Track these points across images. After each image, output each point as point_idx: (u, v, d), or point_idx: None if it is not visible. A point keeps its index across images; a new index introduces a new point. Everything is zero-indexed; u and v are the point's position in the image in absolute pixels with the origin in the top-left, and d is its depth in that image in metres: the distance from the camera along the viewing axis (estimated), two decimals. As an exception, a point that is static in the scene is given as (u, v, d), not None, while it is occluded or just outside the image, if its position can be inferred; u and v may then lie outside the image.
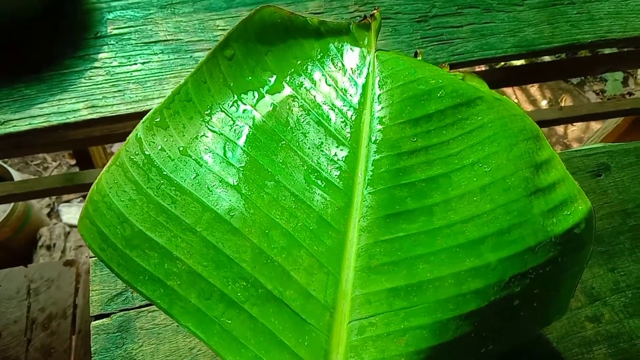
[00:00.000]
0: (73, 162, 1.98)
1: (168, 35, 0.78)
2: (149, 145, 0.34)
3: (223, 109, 0.36)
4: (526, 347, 0.42)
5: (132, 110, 0.69)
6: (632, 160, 0.53)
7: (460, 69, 0.73)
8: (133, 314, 0.44)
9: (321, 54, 0.38)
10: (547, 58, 1.85)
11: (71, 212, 1.92)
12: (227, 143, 0.35)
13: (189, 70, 0.73)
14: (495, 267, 0.31)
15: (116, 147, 1.97)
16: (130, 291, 0.45)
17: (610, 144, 0.54)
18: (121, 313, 0.44)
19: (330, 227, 0.33)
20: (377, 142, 0.35)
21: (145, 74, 0.73)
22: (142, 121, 0.35)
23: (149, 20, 0.79)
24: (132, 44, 0.77)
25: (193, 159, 0.34)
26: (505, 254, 0.32)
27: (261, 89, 0.37)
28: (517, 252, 0.32)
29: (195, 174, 0.34)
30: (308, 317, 0.31)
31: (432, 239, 0.32)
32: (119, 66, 0.73)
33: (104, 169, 0.34)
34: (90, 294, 0.44)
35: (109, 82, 0.72)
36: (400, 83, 0.36)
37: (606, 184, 0.52)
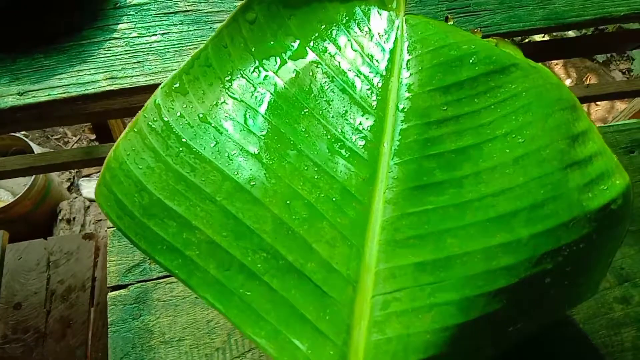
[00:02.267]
0: (93, 136, 1.99)
1: (187, 5, 0.76)
2: (168, 111, 0.33)
3: (244, 75, 0.35)
4: (552, 328, 0.41)
5: (152, 82, 0.67)
6: (668, 137, 0.51)
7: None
8: (150, 286, 0.43)
9: (347, 18, 0.36)
10: (571, 34, 1.79)
11: (91, 187, 1.94)
12: (248, 110, 0.34)
13: (208, 41, 0.71)
14: (527, 243, 0.30)
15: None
16: (148, 262, 0.44)
17: (646, 120, 0.52)
18: (138, 284, 0.43)
19: (354, 198, 0.31)
20: (405, 110, 0.33)
21: (165, 45, 0.72)
22: (160, 87, 0.34)
23: (169, -10, 0.77)
24: (151, 15, 0.75)
25: (213, 126, 0.33)
26: (538, 229, 0.30)
27: (283, 55, 0.36)
28: (550, 227, 0.30)
29: (215, 142, 0.32)
30: (330, 290, 0.30)
31: (461, 212, 0.31)
32: (138, 37, 0.72)
33: (122, 135, 0.33)
34: (108, 265, 0.44)
35: (128, 53, 0.71)
36: (431, 48, 0.35)
37: (639, 161, 0.50)
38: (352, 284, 0.30)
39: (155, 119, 0.33)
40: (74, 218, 1.81)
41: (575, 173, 0.31)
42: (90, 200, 1.91)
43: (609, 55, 2.10)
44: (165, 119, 0.33)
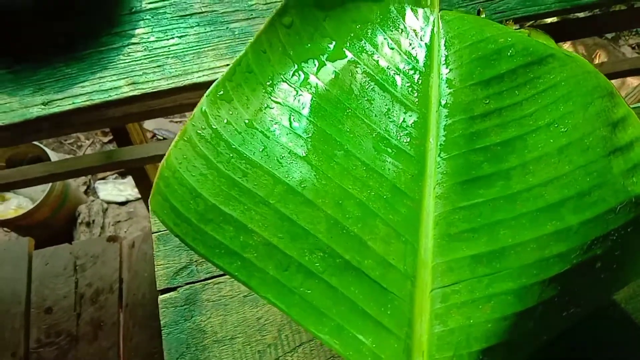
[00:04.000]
0: (106, 139, 2.01)
1: (203, 7, 0.77)
2: (215, 119, 0.34)
3: (285, 79, 0.36)
4: (596, 310, 0.42)
5: (173, 85, 0.68)
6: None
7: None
8: (199, 287, 0.44)
9: (381, 17, 0.37)
10: (579, 14, 1.77)
11: (107, 189, 1.96)
12: (292, 114, 0.34)
13: (227, 42, 0.72)
14: (577, 230, 0.30)
15: (148, 124, 1.99)
16: (195, 264, 0.45)
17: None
18: (187, 286, 0.44)
19: (404, 195, 0.32)
20: (448, 105, 0.34)
21: (183, 48, 0.73)
22: (206, 94, 0.35)
23: (184, -8, 0.78)
24: (167, 18, 0.76)
25: (260, 132, 0.34)
26: (587, 216, 0.31)
27: (321, 56, 0.36)
28: (598, 213, 0.31)
29: (263, 147, 0.33)
30: (389, 285, 0.31)
31: (511, 204, 0.31)
32: (156, 41, 0.73)
33: (172, 144, 0.34)
34: (156, 269, 0.45)
35: (147, 58, 0.71)
36: (468, 43, 0.35)
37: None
38: (410, 278, 0.31)
39: (203, 127, 0.34)
40: (93, 221, 1.84)
41: (618, 159, 0.32)
42: (108, 202, 1.93)
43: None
44: (214, 126, 0.34)
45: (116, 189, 2.00)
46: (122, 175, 2.00)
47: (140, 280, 1.25)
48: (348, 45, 0.37)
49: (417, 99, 0.34)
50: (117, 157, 1.11)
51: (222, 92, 0.35)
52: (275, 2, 0.76)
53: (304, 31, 0.37)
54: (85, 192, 1.93)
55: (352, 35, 0.37)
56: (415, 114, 0.34)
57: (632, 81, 1.92)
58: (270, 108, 0.35)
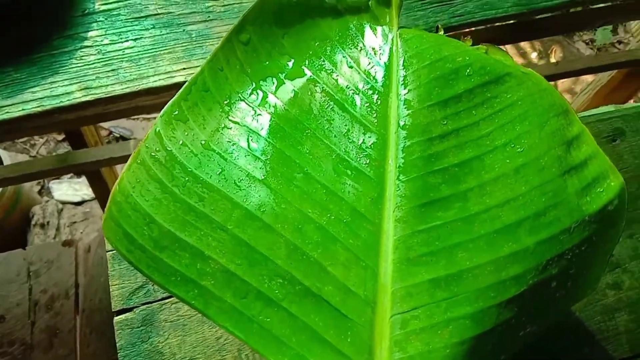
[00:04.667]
0: (60, 137, 1.94)
1: (159, 8, 0.74)
2: (170, 140, 0.33)
3: (243, 98, 0.35)
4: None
5: (128, 90, 0.66)
6: (646, 124, 0.53)
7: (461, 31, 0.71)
8: (156, 307, 0.43)
9: (340, 34, 0.37)
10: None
11: (62, 189, 1.90)
12: (251, 134, 0.34)
13: (183, 45, 0.71)
14: (533, 251, 0.31)
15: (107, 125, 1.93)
16: (151, 283, 0.44)
17: (624, 106, 0.54)
18: (144, 307, 0.43)
19: (364, 219, 0.32)
20: (407, 127, 0.34)
21: (138, 51, 0.70)
22: (160, 115, 0.34)
23: (138, -7, 0.76)
24: (122, 20, 0.73)
25: (217, 153, 0.33)
26: (543, 236, 0.31)
27: (280, 75, 0.36)
28: (554, 233, 0.31)
29: (220, 169, 0.32)
30: (349, 312, 0.30)
31: (469, 226, 0.32)
32: (110, 44, 0.71)
33: (125, 167, 0.33)
34: (111, 289, 0.43)
35: (101, 62, 0.69)
36: (427, 63, 0.35)
37: (622, 149, 0.52)
38: (370, 305, 0.31)
39: (157, 149, 0.33)
40: (47, 222, 1.78)
41: (573, 178, 0.33)
42: (63, 203, 1.87)
43: (572, 28, 2.14)
44: (168, 148, 0.33)
45: (71, 189, 1.94)
46: (78, 174, 1.94)
47: (96, 285, 1.22)
48: (307, 63, 0.36)
49: (376, 120, 0.34)
50: (72, 160, 1.08)
51: (177, 112, 0.34)
52: (232, 4, 0.74)
53: (262, 48, 0.36)
54: (39, 192, 1.87)
55: (311, 52, 0.36)
56: (374, 135, 0.34)
57: (586, 77, 1.99)
58: (228, 128, 0.34)
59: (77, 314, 1.17)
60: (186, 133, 0.33)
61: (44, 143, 1.95)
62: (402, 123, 0.34)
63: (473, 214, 0.32)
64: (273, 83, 0.35)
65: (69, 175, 1.92)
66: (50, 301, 1.17)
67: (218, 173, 0.32)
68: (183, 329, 0.42)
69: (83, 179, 1.88)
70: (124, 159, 1.11)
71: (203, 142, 0.33)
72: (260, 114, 0.34)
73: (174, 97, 0.34)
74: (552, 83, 1.99)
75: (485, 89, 0.34)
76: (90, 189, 1.88)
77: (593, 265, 0.34)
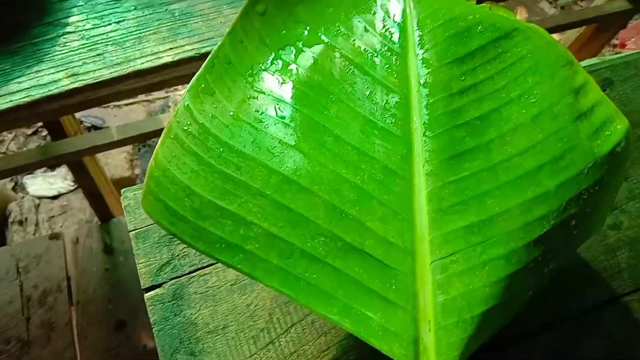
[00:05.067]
0: (29, 131, 1.89)
1: (139, -12, 0.73)
2: (200, 113, 0.34)
3: (264, 68, 0.36)
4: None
5: (116, 74, 0.66)
6: (632, 72, 0.55)
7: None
8: (185, 281, 0.44)
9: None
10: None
11: (37, 184, 1.86)
12: (277, 103, 0.35)
13: (167, 25, 0.70)
14: (555, 193, 0.33)
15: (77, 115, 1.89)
16: (177, 258, 0.45)
17: (610, 57, 0.56)
18: (172, 281, 0.44)
19: (396, 175, 0.34)
20: (428, 85, 0.35)
21: (123, 34, 0.70)
22: (187, 89, 0.34)
23: (115, -26, 0.74)
24: (102, 3, 0.72)
25: (247, 123, 0.34)
26: (562, 179, 0.33)
27: (298, 43, 0.36)
28: (571, 176, 0.34)
29: (253, 138, 0.33)
30: (391, 262, 0.32)
31: (494, 174, 0.33)
32: (93, 28, 0.70)
33: (159, 143, 0.33)
34: (138, 268, 0.44)
35: (85, 47, 0.68)
36: (441, 22, 0.36)
37: (612, 97, 0.54)
38: (410, 254, 0.32)
39: (189, 122, 0.34)
40: (26, 219, 1.74)
41: (584, 123, 0.35)
42: (39, 198, 1.84)
43: (533, -12, 2.18)
44: (200, 121, 0.34)
45: (46, 183, 1.90)
46: (51, 167, 1.90)
47: (89, 276, 1.21)
48: (323, 30, 0.37)
49: (397, 80, 0.36)
50: (54, 151, 1.06)
51: (203, 86, 0.34)
52: (213, -20, 0.74)
53: (278, 18, 0.37)
54: (14, 189, 1.82)
55: (326, 19, 0.37)
56: (397, 95, 0.35)
57: (555, 36, 2.03)
58: (254, 98, 0.35)
59: (71, 307, 1.17)
60: (215, 105, 0.34)
61: (12, 139, 1.90)
62: (422, 81, 0.35)
63: (497, 162, 0.34)
64: (292, 51, 0.36)
65: (42, 169, 1.88)
66: (43, 296, 1.16)
67: (251, 142, 0.33)
68: (213, 299, 0.44)
69: (57, 171, 1.85)
70: (107, 147, 1.10)
71: (232, 114, 0.34)
72: (284, 82, 0.35)
73: (199, 71, 0.35)
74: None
75: (497, 44, 0.36)
76: (65, 182, 1.85)
77: (603, 204, 0.36)
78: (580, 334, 0.45)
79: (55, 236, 1.23)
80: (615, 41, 1.96)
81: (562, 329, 0.45)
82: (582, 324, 0.45)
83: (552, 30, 1.19)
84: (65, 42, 0.68)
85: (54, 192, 1.89)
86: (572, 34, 1.35)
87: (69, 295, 1.18)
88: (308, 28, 0.37)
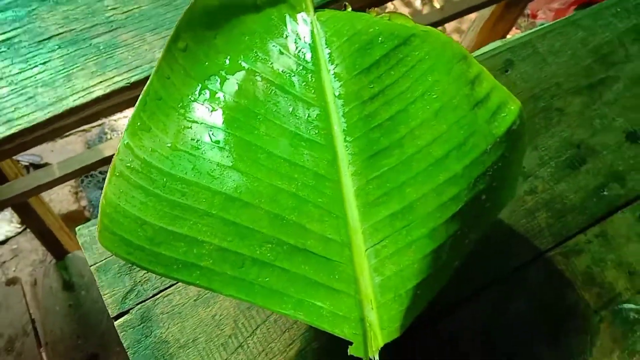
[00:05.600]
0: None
1: (59, 28, 0.75)
2: (140, 149, 0.37)
3: (194, 99, 0.39)
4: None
5: (50, 115, 0.67)
6: (529, 51, 0.62)
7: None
8: (150, 304, 0.47)
9: (264, 27, 0.41)
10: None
11: (-19, 230, 1.81)
12: (210, 129, 0.38)
13: (94, 59, 0.72)
14: (462, 174, 0.38)
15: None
16: (140, 284, 0.48)
17: (509, 40, 0.63)
18: (139, 306, 0.47)
19: (326, 179, 0.38)
20: (342, 96, 0.40)
21: (51, 74, 0.71)
22: (125, 129, 0.37)
23: (34, 16, 0.76)
24: (25, 46, 0.73)
25: (185, 152, 0.37)
26: (467, 161, 0.39)
27: (221, 72, 0.40)
28: (475, 157, 0.39)
29: (192, 165, 0.37)
30: (332, 256, 0.37)
31: (409, 166, 0.38)
32: (20, 72, 0.71)
33: (106, 182, 0.36)
34: (104, 298, 0.47)
35: (15, 92, 0.69)
36: (345, 38, 0.41)
37: (513, 77, 0.61)
38: (347, 246, 0.37)
39: (131, 159, 0.37)
40: (-23, 268, 1.70)
41: (481, 110, 0.40)
42: (-13, 244, 1.79)
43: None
44: (141, 156, 0.37)
45: (-8, 229, 1.85)
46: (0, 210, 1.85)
47: (53, 315, 1.20)
48: (242, 57, 0.41)
49: (315, 95, 0.40)
50: (-3, 196, 1.05)
51: (139, 123, 0.38)
52: (132, 9, 0.76)
53: (200, 51, 0.40)
54: (-43, 239, 1.77)
55: (243, 47, 0.41)
56: (316, 108, 0.40)
57: (469, 15, 2.13)
58: (188, 128, 0.38)
59: (40, 348, 1.16)
60: (152, 140, 0.37)
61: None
62: (337, 94, 0.40)
63: (410, 155, 0.39)
64: (217, 80, 0.40)
65: (-20, 214, 1.83)
66: (10, 343, 1.15)
67: (191, 168, 0.37)
68: (180, 316, 0.47)
69: (2, 215, 1.80)
70: (50, 185, 1.10)
71: (170, 145, 0.37)
72: (213, 110, 0.39)
73: (133, 110, 0.38)
74: (440, 28, 2.12)
75: (397, 51, 0.41)
76: (11, 225, 1.81)
77: (510, 176, 0.42)
78: (510, 294, 0.51)
79: (11, 281, 1.21)
80: (527, 11, 2.08)
81: (491, 293, 0.50)
82: (510, 285, 0.51)
83: (467, 11, 1.26)
84: (-5, 90, 0.69)
85: (1, 237, 1.84)
86: (486, 12, 1.44)
87: (36, 338, 1.17)
88: (229, 57, 0.41)
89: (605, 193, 0.55)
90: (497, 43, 0.63)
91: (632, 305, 0.50)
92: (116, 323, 0.46)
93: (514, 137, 0.41)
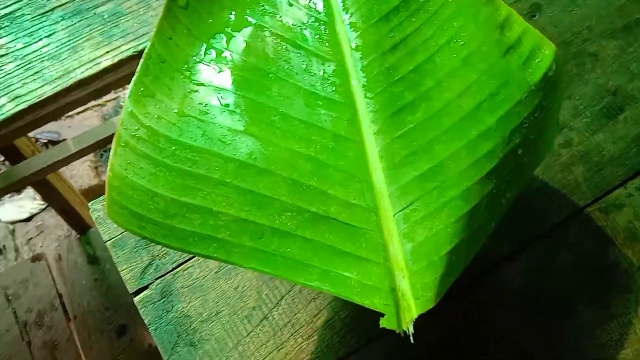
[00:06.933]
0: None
1: (61, -2, 0.72)
2: (145, 117, 0.34)
3: (199, 60, 0.36)
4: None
5: (59, 88, 0.65)
6: (558, -7, 0.57)
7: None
8: (169, 278, 0.46)
9: (272, -23, 0.38)
10: None
11: (6, 210, 1.83)
12: (219, 92, 0.35)
13: (99, 29, 0.69)
14: (497, 127, 0.35)
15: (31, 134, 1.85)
16: (158, 258, 0.46)
17: (535, -17, 0.58)
18: (158, 281, 0.45)
19: (347, 140, 0.35)
20: (359, 47, 0.36)
21: (56, 47, 0.69)
22: (127, 95, 0.35)
23: (35, -12, 0.72)
24: (28, 20, 0.71)
25: (193, 117, 0.35)
26: (501, 113, 0.35)
27: (227, 29, 0.37)
28: (509, 108, 0.35)
29: (202, 131, 0.34)
30: (357, 223, 0.34)
31: (437, 121, 0.35)
32: (24, 47, 0.68)
33: (111, 154, 0.34)
34: (121, 274, 0.45)
35: (21, 67, 0.67)
36: (359, -16, 0.37)
37: (542, 21, 0.56)
38: (373, 211, 0.34)
39: (136, 127, 0.34)
40: (4, 246, 1.72)
41: (513, 56, 0.36)
42: (12, 223, 1.81)
43: None
44: (147, 124, 0.34)
45: (16, 207, 1.87)
46: (17, 190, 1.86)
47: (80, 289, 1.22)
48: (248, 11, 0.37)
49: (329, 49, 0.36)
50: (15, 176, 1.04)
51: (142, 89, 0.35)
52: (135, -24, 0.72)
53: (202, 8, 0.37)
54: (-19, 219, 1.79)
55: (249, 1, 0.37)
56: (332, 63, 0.36)
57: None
58: (195, 91, 0.35)
59: (69, 322, 1.17)
60: (158, 106, 0.35)
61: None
62: (354, 45, 0.36)
63: (438, 109, 0.35)
64: (223, 39, 0.37)
65: (8, 195, 1.85)
66: (39, 317, 1.16)
67: (201, 135, 0.34)
68: (201, 289, 0.45)
69: (25, 193, 1.82)
70: (67, 161, 1.09)
71: (176, 111, 0.35)
72: (221, 71, 0.36)
73: (135, 76, 0.35)
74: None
75: (418, -5, 0.37)
76: (35, 202, 1.82)
77: (548, 128, 0.39)
78: (551, 250, 0.48)
79: (37, 257, 1.22)
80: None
81: (532, 249, 0.47)
82: (550, 241, 0.48)
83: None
84: (0, 66, 0.67)
85: (26, 215, 1.86)
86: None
87: (64, 312, 1.19)
88: (234, 12, 0.37)
89: (646, 142, 0.51)
90: (524, -15, 0.58)
91: (678, 261, 0.47)
92: (136, 299, 0.45)
93: (550, 84, 0.37)
